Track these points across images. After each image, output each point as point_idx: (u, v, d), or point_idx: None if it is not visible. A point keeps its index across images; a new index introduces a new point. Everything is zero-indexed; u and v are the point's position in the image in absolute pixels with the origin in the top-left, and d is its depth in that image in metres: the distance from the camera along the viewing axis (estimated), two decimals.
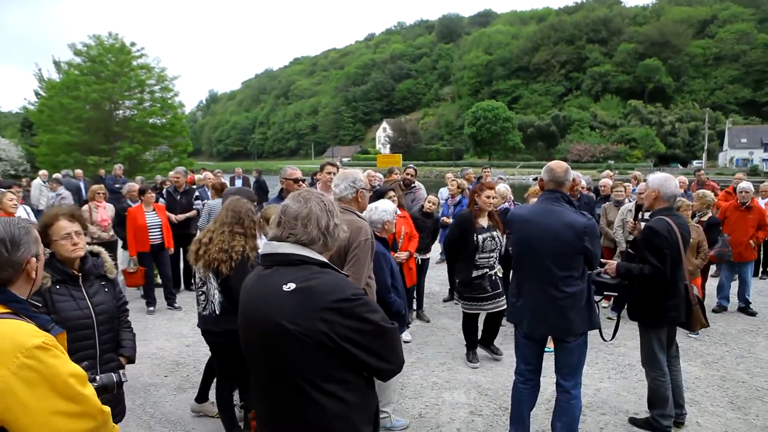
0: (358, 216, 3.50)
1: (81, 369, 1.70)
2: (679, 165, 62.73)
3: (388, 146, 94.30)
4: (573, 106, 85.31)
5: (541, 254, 3.43)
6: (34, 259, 1.79)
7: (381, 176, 8.18)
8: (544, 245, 3.41)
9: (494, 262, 5.25)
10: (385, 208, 4.11)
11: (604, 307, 6.79)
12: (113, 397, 2.76)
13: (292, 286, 1.71)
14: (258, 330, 1.80)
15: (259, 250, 1.87)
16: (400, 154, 19.54)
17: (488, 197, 5.19)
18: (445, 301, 7.82)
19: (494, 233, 5.20)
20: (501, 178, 9.74)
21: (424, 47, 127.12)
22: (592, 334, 3.70)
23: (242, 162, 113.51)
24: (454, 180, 8.15)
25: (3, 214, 5.19)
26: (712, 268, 8.19)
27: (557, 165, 3.58)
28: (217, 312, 3.53)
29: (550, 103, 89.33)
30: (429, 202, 6.77)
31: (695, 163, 58.02)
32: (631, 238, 4.36)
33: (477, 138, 77.38)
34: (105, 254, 3.03)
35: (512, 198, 7.62)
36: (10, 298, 1.73)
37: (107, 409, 1.78)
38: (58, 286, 2.65)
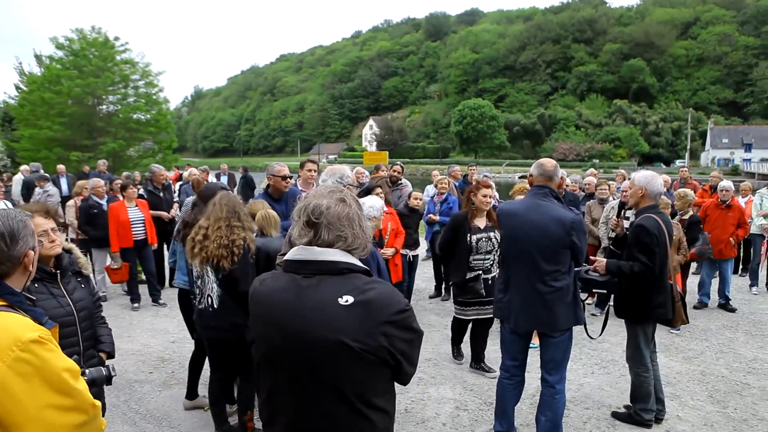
0: None
1: (74, 363, 1.69)
2: (662, 164, 63.50)
3: (375, 144, 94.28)
4: (559, 105, 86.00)
5: (529, 249, 3.45)
6: (31, 252, 1.79)
7: (368, 173, 8.20)
8: (532, 240, 3.43)
9: (490, 265, 4.95)
10: (371, 204, 4.12)
11: (588, 304, 6.86)
12: (97, 392, 2.74)
13: (349, 299, 1.57)
14: (306, 347, 1.61)
15: (291, 256, 1.71)
16: (387, 152, 19.53)
17: (485, 196, 4.94)
18: (431, 297, 7.85)
19: (491, 234, 4.92)
20: (486, 176, 9.78)
21: (411, 45, 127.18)
22: (577, 330, 3.73)
23: (228, 158, 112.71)
24: (442, 177, 8.17)
25: None
26: (693, 265, 8.32)
27: (547, 161, 3.66)
28: (215, 306, 3.50)
29: (536, 102, 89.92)
30: (414, 198, 6.80)
31: (678, 163, 58.81)
32: (612, 234, 4.40)
33: (463, 136, 77.65)
34: (77, 250, 3.00)
35: (497, 196, 7.68)
36: (7, 290, 1.73)
37: (98, 403, 1.78)
38: (36, 285, 2.58)
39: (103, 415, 2.91)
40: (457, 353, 5.45)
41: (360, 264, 1.67)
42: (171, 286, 8.09)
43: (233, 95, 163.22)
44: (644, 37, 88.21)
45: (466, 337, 5.35)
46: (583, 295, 3.71)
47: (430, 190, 8.97)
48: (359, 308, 1.56)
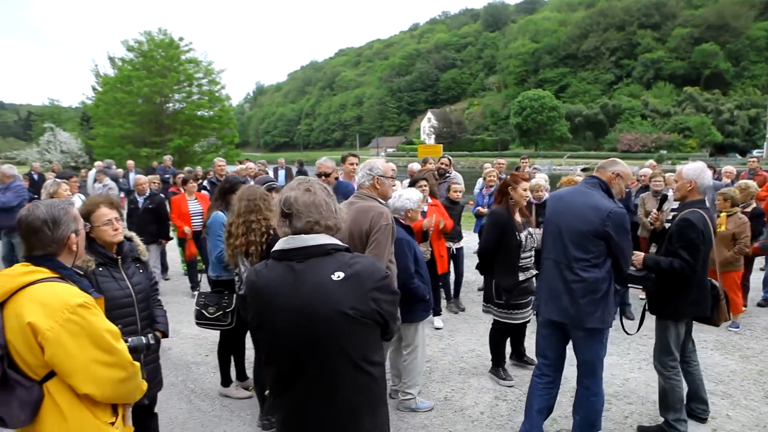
0: (379, 202, 3.63)
1: (115, 326, 2.01)
2: (737, 155, 59.89)
3: (433, 137, 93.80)
4: (623, 94, 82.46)
5: (562, 232, 3.43)
6: (73, 235, 2.14)
7: (394, 166, 8.26)
8: (566, 223, 3.42)
9: (532, 263, 4.72)
10: (408, 197, 4.21)
11: (641, 299, 6.67)
12: (153, 363, 3.02)
13: (340, 274, 1.80)
14: (311, 320, 1.81)
15: (282, 246, 1.91)
16: (441, 145, 19.50)
17: (525, 190, 4.66)
18: (479, 289, 7.85)
19: (530, 229, 4.75)
20: (536, 169, 9.61)
21: (469, 36, 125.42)
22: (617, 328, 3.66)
23: (288, 153, 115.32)
24: (491, 170, 8.15)
25: None
26: (760, 260, 7.92)
27: (612, 159, 3.71)
28: None
29: (599, 92, 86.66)
30: (453, 190, 6.82)
31: (755, 153, 55.25)
32: (652, 228, 4.23)
33: (523, 128, 75.98)
34: (137, 238, 3.26)
35: (548, 188, 7.59)
36: (58, 265, 2.09)
37: (137, 363, 2.12)
38: (100, 269, 2.87)
39: (160, 389, 3.20)
40: (503, 373, 4.87)
41: (341, 243, 1.91)
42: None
43: (293, 90, 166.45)
44: (718, 20, 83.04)
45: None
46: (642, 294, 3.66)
47: (480, 182, 8.95)
48: (350, 281, 1.81)
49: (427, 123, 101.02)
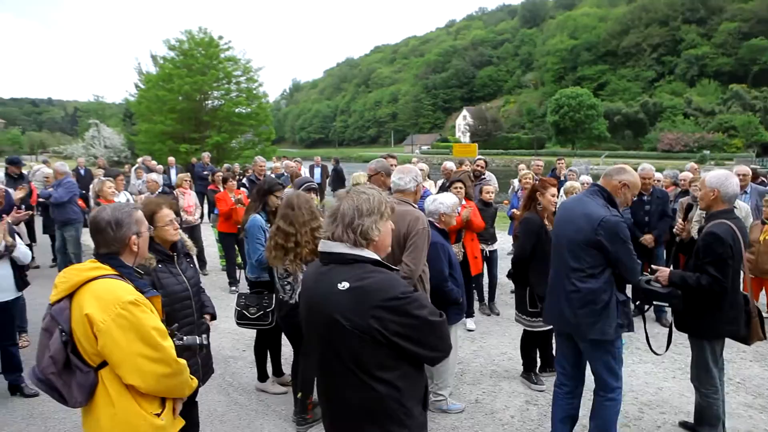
0: (413, 207, 3.72)
1: (162, 325, 2.19)
2: None
3: (468, 134, 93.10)
4: (665, 92, 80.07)
5: (561, 241, 3.44)
6: (134, 237, 2.34)
7: (426, 167, 8.27)
8: (564, 233, 3.43)
9: None
10: (442, 201, 4.27)
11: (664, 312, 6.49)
12: (204, 357, 3.19)
13: (346, 284, 1.85)
14: (317, 322, 1.97)
15: (319, 248, 2.06)
16: (476, 144, 19.40)
17: (553, 195, 4.65)
18: (512, 292, 7.84)
19: None
20: (572, 171, 9.47)
21: (506, 33, 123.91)
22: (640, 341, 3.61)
23: (323, 149, 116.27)
24: (526, 172, 8.11)
25: (103, 201, 5.81)
26: None
27: (620, 165, 3.57)
28: None
29: (640, 89, 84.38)
30: (486, 192, 6.82)
31: None
32: (678, 239, 4.04)
33: (560, 126, 74.54)
34: (184, 235, 3.47)
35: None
36: (119, 264, 2.29)
37: (183, 361, 2.30)
38: (159, 266, 3.08)
39: (209, 377, 3.36)
40: (535, 378, 4.86)
41: (370, 255, 1.95)
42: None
43: (329, 87, 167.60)
44: None
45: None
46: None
47: (516, 184, 8.92)
48: (353, 293, 1.85)
49: (463, 120, 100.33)
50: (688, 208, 3.98)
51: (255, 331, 4.72)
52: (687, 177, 7.73)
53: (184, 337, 2.51)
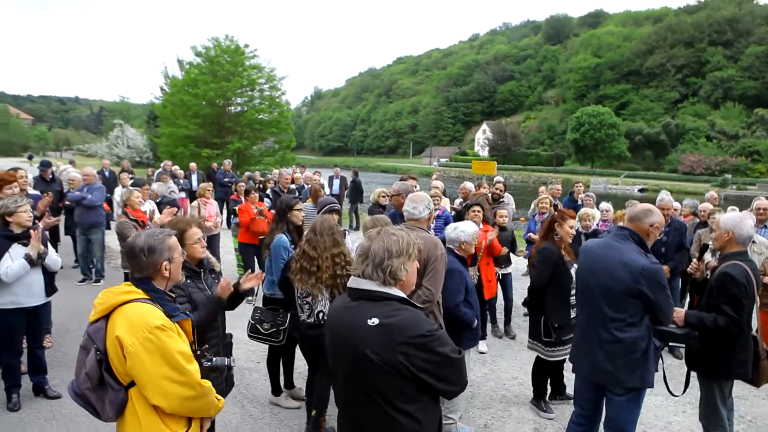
0: (428, 233, 3.84)
1: (188, 349, 2.34)
2: None
3: (487, 149, 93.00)
4: (688, 113, 79.16)
5: (595, 290, 3.33)
6: (166, 262, 2.47)
7: (441, 184, 8.36)
8: (598, 281, 3.31)
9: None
10: (464, 229, 4.37)
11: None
12: (228, 377, 3.31)
13: (375, 321, 1.98)
14: (345, 354, 2.08)
15: (348, 284, 2.19)
16: (495, 162, 19.36)
17: (571, 227, 4.73)
18: (525, 315, 7.88)
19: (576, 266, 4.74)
20: (589, 197, 9.38)
21: (529, 49, 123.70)
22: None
23: (342, 157, 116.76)
24: (543, 197, 8.15)
25: (130, 210, 5.98)
26: None
27: (642, 204, 3.53)
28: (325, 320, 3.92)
29: (662, 110, 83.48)
30: (500, 216, 6.89)
31: None
32: (692, 278, 4.04)
33: (580, 144, 74.09)
34: (208, 253, 3.65)
35: (611, 209, 7.67)
36: (151, 288, 2.42)
37: (207, 383, 2.41)
38: (188, 281, 3.23)
39: (230, 390, 3.48)
40: (545, 406, 4.91)
41: (397, 293, 2.08)
42: None
43: (350, 96, 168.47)
44: None
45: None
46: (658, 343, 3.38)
47: (533, 207, 8.96)
48: (382, 329, 1.97)
49: (482, 134, 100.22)
50: (704, 248, 4.03)
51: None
52: (707, 208, 7.70)
53: (214, 359, 2.62)
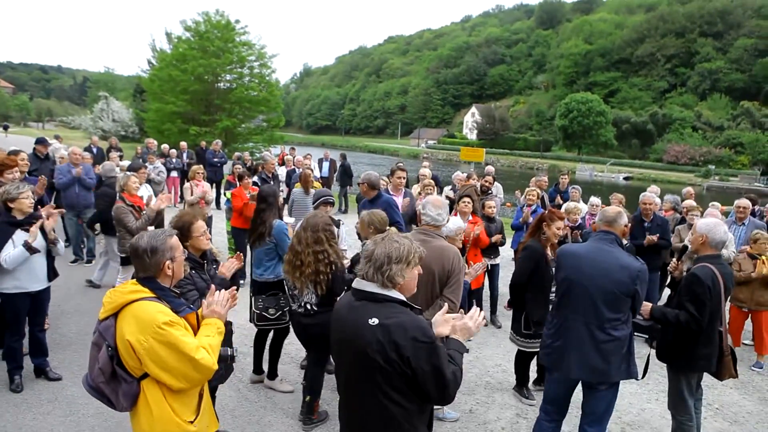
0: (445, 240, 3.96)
1: (195, 341, 2.48)
2: None
3: (476, 132, 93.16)
4: (675, 103, 79.79)
5: (592, 293, 3.44)
6: (168, 262, 2.64)
7: (428, 172, 8.51)
8: (596, 284, 3.43)
9: None
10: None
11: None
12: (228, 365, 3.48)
13: (375, 321, 2.18)
14: (348, 349, 2.29)
15: (353, 285, 2.37)
16: (484, 149, 19.52)
17: (558, 228, 4.89)
18: (509, 303, 8.12)
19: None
20: (575, 189, 9.59)
21: (521, 33, 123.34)
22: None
23: (330, 136, 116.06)
24: (531, 189, 8.33)
25: (127, 195, 6.07)
26: None
27: (610, 209, 3.77)
28: (315, 309, 4.11)
29: (650, 99, 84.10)
30: (488, 207, 7.08)
31: None
32: (671, 277, 4.35)
33: (568, 131, 74.50)
34: (211, 244, 3.82)
35: (599, 202, 7.86)
36: (156, 286, 2.59)
37: (214, 366, 2.55)
38: (193, 272, 3.39)
39: (230, 373, 3.65)
40: (527, 392, 5.18)
41: (397, 296, 2.28)
42: None
43: (340, 74, 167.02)
44: None
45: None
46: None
47: (521, 199, 9.15)
48: (381, 328, 2.17)
49: (471, 117, 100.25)
50: (684, 249, 4.32)
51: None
52: (689, 205, 7.93)
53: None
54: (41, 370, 4.95)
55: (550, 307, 4.64)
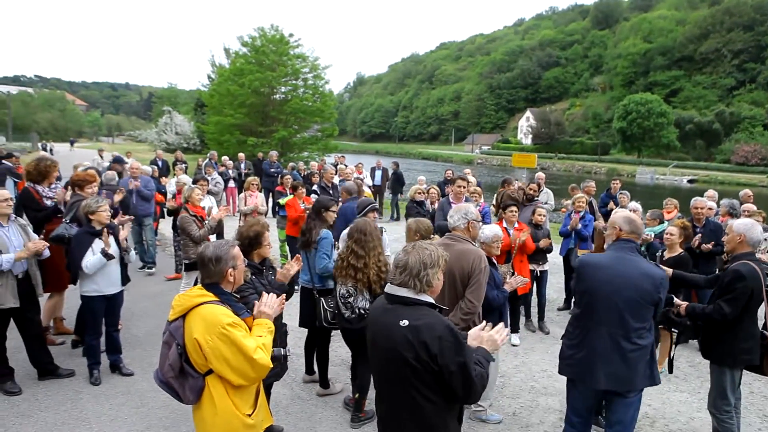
0: (471, 244, 4.15)
1: (253, 341, 2.74)
2: None
3: (530, 136, 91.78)
4: (744, 101, 75.74)
5: (616, 303, 3.41)
6: (231, 269, 2.94)
7: (469, 207, 8.53)
8: (621, 293, 3.40)
9: None
10: (483, 231, 4.73)
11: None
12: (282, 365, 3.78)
13: (406, 322, 2.39)
14: (381, 348, 2.52)
15: (386, 290, 2.58)
16: (536, 155, 19.29)
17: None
18: (559, 309, 8.14)
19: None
20: (623, 194, 9.47)
21: (577, 34, 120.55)
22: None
23: (383, 144, 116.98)
24: (580, 196, 8.30)
25: (190, 206, 6.56)
26: None
27: (636, 217, 3.71)
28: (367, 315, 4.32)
29: (716, 98, 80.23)
30: (538, 214, 7.16)
31: None
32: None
33: (626, 133, 71.97)
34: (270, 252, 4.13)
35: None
36: (220, 291, 2.89)
37: (269, 364, 2.81)
38: (254, 277, 3.72)
39: (284, 372, 3.95)
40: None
41: (426, 299, 2.49)
42: None
43: (393, 82, 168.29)
44: None
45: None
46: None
47: (570, 206, 9.12)
48: (410, 329, 2.38)
49: (525, 122, 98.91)
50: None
51: (299, 328, 5.31)
52: (750, 209, 7.66)
53: (273, 349, 3.09)
54: (116, 366, 5.47)
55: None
